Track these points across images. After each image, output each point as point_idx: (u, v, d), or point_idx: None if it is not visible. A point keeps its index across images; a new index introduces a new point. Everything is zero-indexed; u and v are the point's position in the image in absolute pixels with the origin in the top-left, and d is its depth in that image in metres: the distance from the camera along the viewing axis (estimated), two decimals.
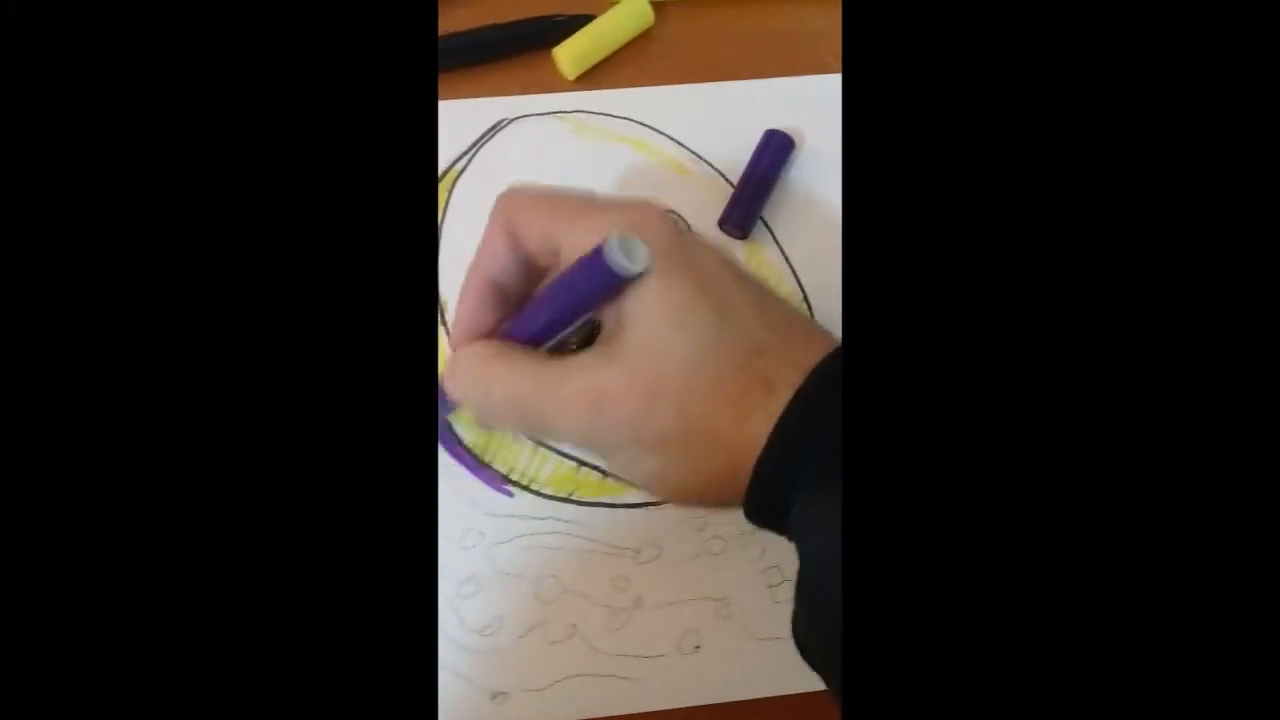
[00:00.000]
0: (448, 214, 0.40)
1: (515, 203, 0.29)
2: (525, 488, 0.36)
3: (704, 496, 0.27)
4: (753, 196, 0.40)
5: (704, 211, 0.41)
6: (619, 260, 0.25)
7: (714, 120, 0.42)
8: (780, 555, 0.36)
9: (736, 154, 0.41)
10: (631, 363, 0.26)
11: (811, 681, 0.32)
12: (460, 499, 0.36)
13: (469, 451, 0.36)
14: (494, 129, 0.42)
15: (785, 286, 0.40)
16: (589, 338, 0.29)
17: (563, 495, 0.36)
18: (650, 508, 0.36)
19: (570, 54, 0.43)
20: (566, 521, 0.36)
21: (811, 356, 0.26)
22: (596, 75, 0.43)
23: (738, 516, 0.27)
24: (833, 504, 0.23)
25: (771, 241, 0.41)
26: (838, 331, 0.28)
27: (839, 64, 0.44)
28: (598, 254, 0.25)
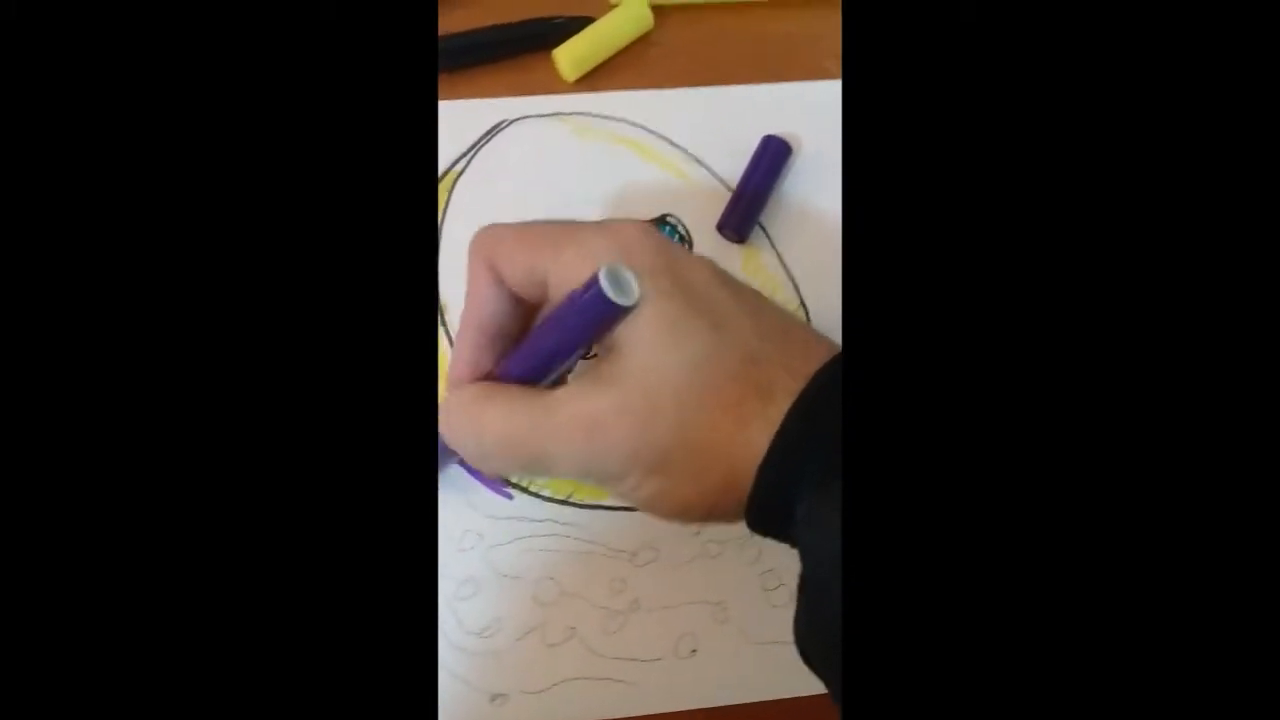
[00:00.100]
0: (447, 215, 0.40)
1: (493, 241, 0.29)
2: (524, 490, 0.36)
3: (707, 511, 0.27)
4: (750, 202, 0.41)
5: (702, 215, 0.41)
6: (615, 292, 0.25)
7: (713, 124, 0.42)
8: (777, 559, 0.36)
9: (735, 158, 0.41)
10: (625, 385, 0.26)
11: (808, 685, 0.33)
12: (458, 501, 0.36)
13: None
14: (493, 130, 0.42)
15: (782, 292, 0.40)
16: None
17: (561, 498, 0.36)
18: None
19: (570, 56, 0.43)
20: (565, 524, 0.36)
21: (810, 363, 0.26)
22: (596, 78, 0.43)
23: (734, 523, 0.27)
24: (835, 509, 0.23)
25: (769, 247, 0.41)
26: (835, 337, 0.28)
27: (838, 69, 0.44)
28: (590, 289, 0.25)
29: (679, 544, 0.36)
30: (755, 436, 0.25)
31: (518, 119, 0.42)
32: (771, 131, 0.42)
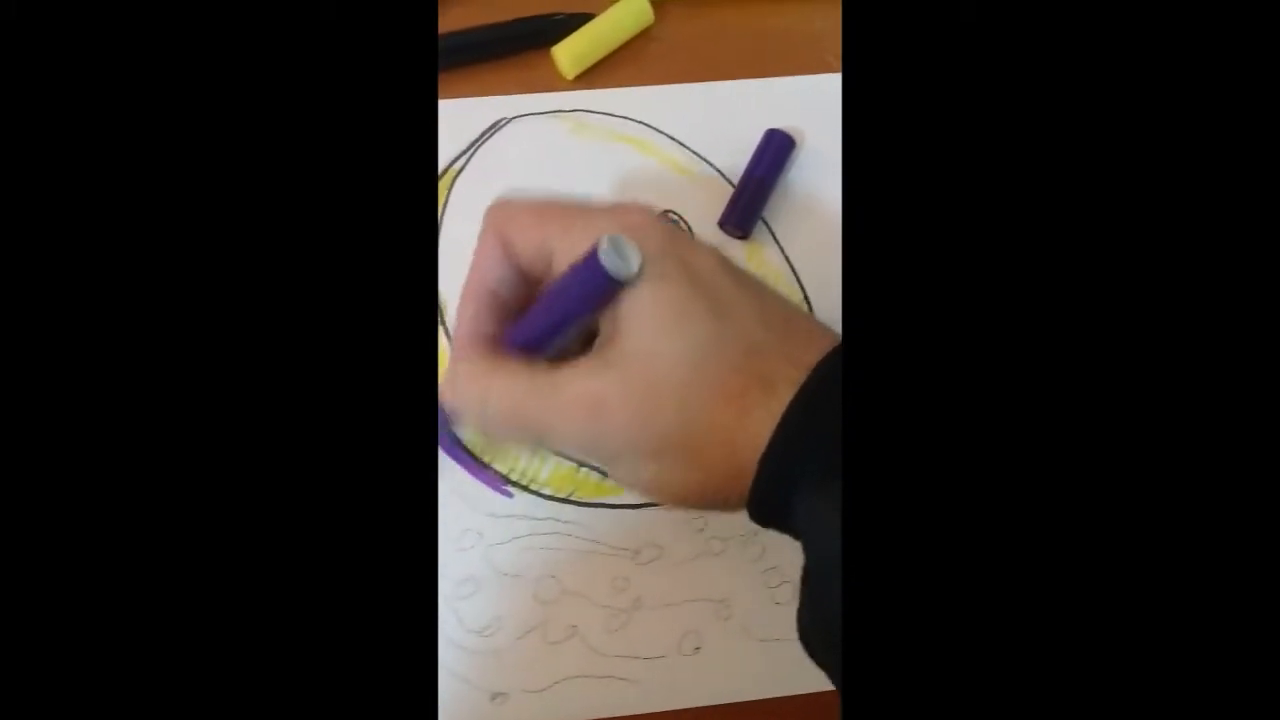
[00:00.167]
0: (446, 213, 0.40)
1: (506, 213, 0.29)
2: (525, 488, 0.36)
3: (707, 499, 0.27)
4: (753, 196, 0.40)
5: (704, 211, 0.40)
6: (612, 262, 0.25)
7: (714, 120, 0.42)
8: (780, 556, 0.36)
9: (737, 154, 0.41)
10: (628, 366, 0.26)
11: (812, 682, 0.33)
12: (458, 499, 0.36)
13: (469, 452, 0.36)
14: (493, 128, 0.42)
15: (786, 286, 0.40)
16: (590, 342, 0.29)
17: (562, 496, 0.36)
18: (650, 508, 0.36)
19: (569, 53, 0.42)
20: (566, 522, 0.36)
21: (812, 354, 0.26)
22: (596, 74, 0.43)
23: (738, 517, 0.27)
24: (837, 500, 0.23)
25: (772, 241, 0.41)
26: (839, 331, 0.27)
27: (839, 63, 0.44)
28: (591, 258, 0.25)
29: (682, 542, 0.36)
30: (757, 426, 0.25)
31: (517, 116, 0.42)
32: (773, 126, 0.41)
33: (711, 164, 0.42)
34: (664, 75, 0.43)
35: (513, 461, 0.36)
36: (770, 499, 0.26)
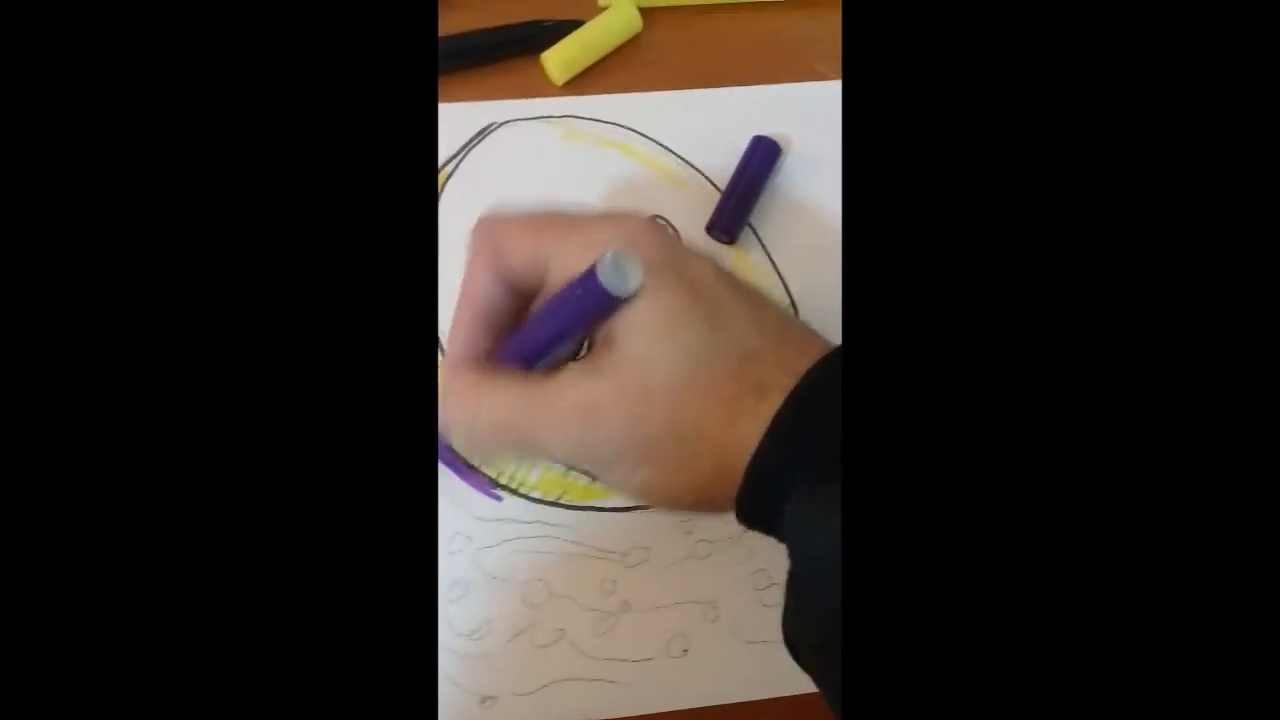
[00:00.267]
0: (436, 218, 0.40)
1: (497, 226, 0.29)
2: (514, 491, 0.36)
3: (697, 502, 0.27)
4: (740, 202, 0.41)
5: (691, 217, 0.41)
6: (612, 280, 0.25)
7: (702, 126, 0.43)
8: (768, 558, 0.36)
9: (724, 160, 0.42)
10: (622, 374, 0.26)
11: (800, 684, 0.33)
12: (447, 502, 0.36)
13: (458, 456, 0.36)
14: (482, 133, 0.42)
15: (773, 292, 0.40)
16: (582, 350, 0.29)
17: (551, 499, 0.36)
18: (638, 511, 0.36)
19: (559, 59, 0.43)
20: (554, 525, 0.36)
21: (805, 361, 0.26)
22: (585, 81, 0.44)
23: (726, 519, 0.27)
24: (825, 505, 0.23)
25: (759, 247, 0.41)
26: (825, 335, 0.28)
27: (828, 71, 0.44)
28: (591, 274, 0.25)
29: (670, 544, 0.36)
30: (747, 431, 0.25)
31: (506, 122, 0.42)
32: (760, 133, 0.42)
33: (699, 170, 0.42)
34: (652, 82, 0.44)
35: (501, 464, 0.36)
36: (758, 503, 0.26)
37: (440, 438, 0.35)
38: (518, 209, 0.29)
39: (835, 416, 0.23)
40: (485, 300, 0.29)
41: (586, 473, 0.36)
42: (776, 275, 0.40)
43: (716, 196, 0.41)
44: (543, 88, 0.43)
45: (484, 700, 0.33)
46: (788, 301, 0.40)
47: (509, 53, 0.44)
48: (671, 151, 0.42)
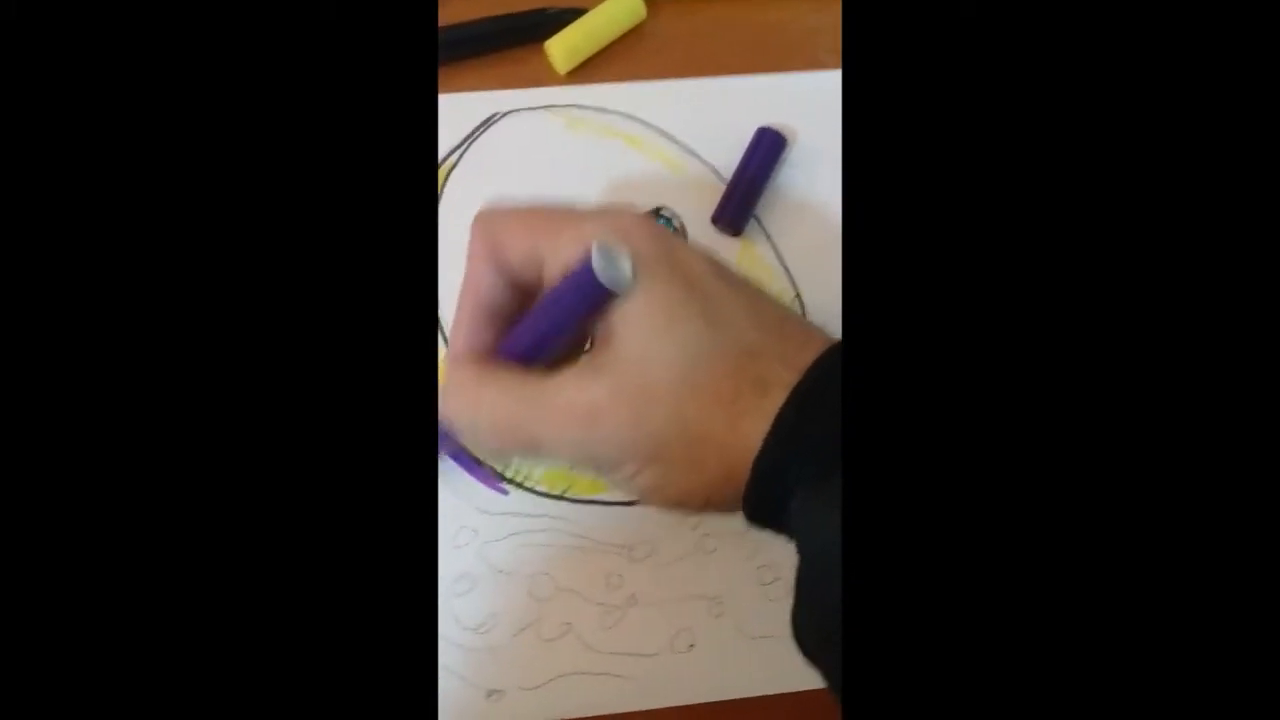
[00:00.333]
0: (440, 208, 0.40)
1: (494, 221, 0.29)
2: (520, 485, 0.36)
3: (704, 503, 0.27)
4: (745, 194, 0.40)
5: (696, 208, 0.40)
6: (604, 271, 0.25)
7: (707, 116, 0.42)
8: (773, 553, 0.36)
9: (729, 150, 0.41)
10: (621, 373, 0.26)
11: (805, 680, 0.33)
12: (453, 496, 0.36)
13: (464, 450, 0.36)
14: (486, 123, 0.41)
15: (778, 284, 0.40)
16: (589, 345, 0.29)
17: (557, 493, 0.36)
18: (644, 505, 0.36)
19: (562, 48, 0.42)
20: (560, 519, 0.36)
21: (806, 355, 0.26)
22: (589, 69, 0.43)
23: (732, 514, 0.27)
24: (830, 500, 0.23)
25: (764, 239, 0.41)
26: (832, 329, 0.27)
27: (833, 60, 0.44)
28: (583, 268, 0.25)
29: (675, 539, 0.36)
30: (751, 429, 0.25)
31: (510, 111, 0.42)
32: (766, 123, 0.41)
33: (704, 160, 0.42)
34: (656, 71, 0.43)
35: (506, 461, 0.36)
36: (765, 500, 0.26)
37: (444, 431, 0.35)
38: (515, 203, 0.29)
39: (838, 412, 0.22)
40: (486, 294, 0.29)
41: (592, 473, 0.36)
42: (782, 268, 0.40)
43: (721, 187, 0.41)
44: (546, 77, 0.43)
45: (490, 694, 0.33)
46: (793, 294, 0.40)
47: (512, 41, 0.43)
48: (676, 141, 0.42)
